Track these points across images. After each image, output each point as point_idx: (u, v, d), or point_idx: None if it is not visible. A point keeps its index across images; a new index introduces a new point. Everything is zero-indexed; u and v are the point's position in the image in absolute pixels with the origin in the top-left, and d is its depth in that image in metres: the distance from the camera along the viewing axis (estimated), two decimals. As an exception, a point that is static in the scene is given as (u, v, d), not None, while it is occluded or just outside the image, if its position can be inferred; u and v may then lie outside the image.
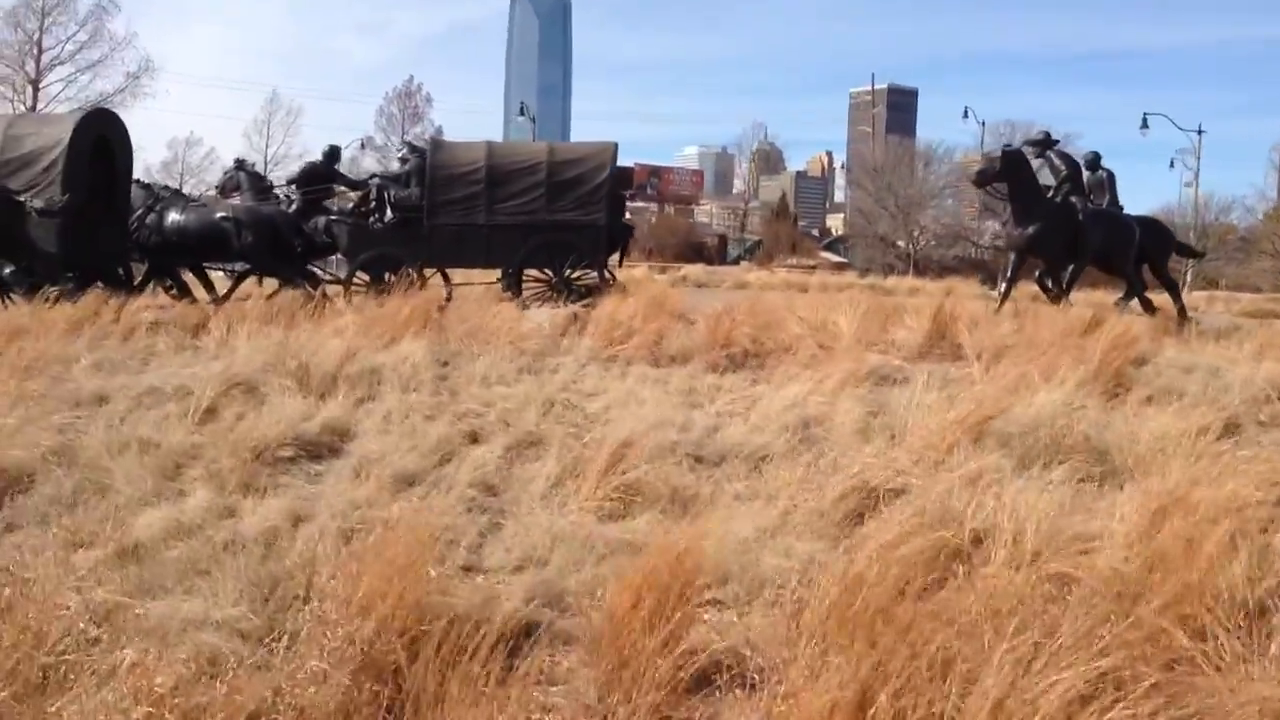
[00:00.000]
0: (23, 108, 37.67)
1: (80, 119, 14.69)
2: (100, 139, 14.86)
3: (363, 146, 56.01)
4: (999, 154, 16.02)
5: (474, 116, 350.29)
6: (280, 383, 7.65)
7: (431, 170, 17.04)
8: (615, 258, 18.53)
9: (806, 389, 7.73)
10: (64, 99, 39.67)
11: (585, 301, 14.98)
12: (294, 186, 18.76)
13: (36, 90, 39.56)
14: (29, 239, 13.60)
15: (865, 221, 61.45)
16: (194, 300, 15.89)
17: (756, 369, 9.37)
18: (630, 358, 9.59)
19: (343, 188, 19.02)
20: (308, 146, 53.21)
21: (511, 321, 10.95)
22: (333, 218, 17.96)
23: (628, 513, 5.26)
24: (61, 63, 40.88)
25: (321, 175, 18.61)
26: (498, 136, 62.37)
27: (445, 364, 9.02)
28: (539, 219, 16.97)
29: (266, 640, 3.65)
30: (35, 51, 39.90)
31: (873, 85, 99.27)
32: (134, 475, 5.42)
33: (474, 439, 6.60)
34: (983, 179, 16.14)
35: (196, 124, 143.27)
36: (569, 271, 17.06)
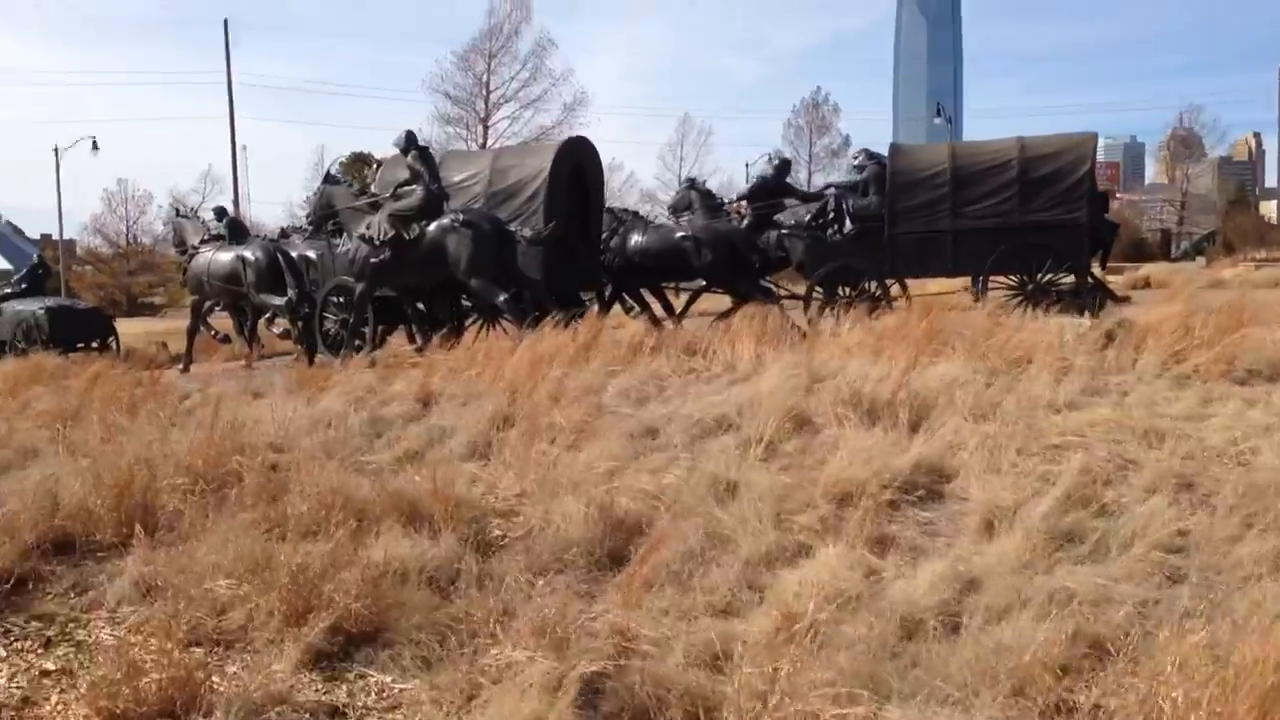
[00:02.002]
0: (475, 145, 40.91)
1: (559, 148, 15.10)
2: (576, 166, 15.21)
3: (769, 160, 56.20)
4: None
5: (863, 123, 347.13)
6: (835, 412, 6.98)
7: (892, 176, 16.20)
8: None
9: None
10: (510, 135, 42.84)
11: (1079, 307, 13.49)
12: (745, 202, 18.59)
13: (486, 128, 42.95)
14: (518, 268, 14.06)
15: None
16: (657, 321, 15.94)
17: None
18: (1205, 374, 8.16)
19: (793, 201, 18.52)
20: (719, 164, 54.34)
21: (1033, 334, 9.77)
22: (784, 231, 17.57)
23: None
24: (507, 100, 44.25)
25: (773, 189, 18.27)
26: (886, 142, 60.44)
27: (988, 385, 8.02)
28: (1011, 221, 15.63)
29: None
30: (484, 92, 43.40)
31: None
32: (750, 525, 4.85)
33: (1093, 477, 5.55)
34: None
35: (613, 149, 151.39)
36: (1044, 276, 15.60)
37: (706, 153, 57.11)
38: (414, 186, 14.02)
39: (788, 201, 18.52)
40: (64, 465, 6.83)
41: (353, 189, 15.08)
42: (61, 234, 48.50)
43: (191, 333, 18.30)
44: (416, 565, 4.45)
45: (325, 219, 15.52)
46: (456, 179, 14.88)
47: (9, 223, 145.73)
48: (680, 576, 4.38)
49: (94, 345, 22.83)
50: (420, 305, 15.23)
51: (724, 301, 18.24)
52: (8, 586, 4.64)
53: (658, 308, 17.43)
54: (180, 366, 16.76)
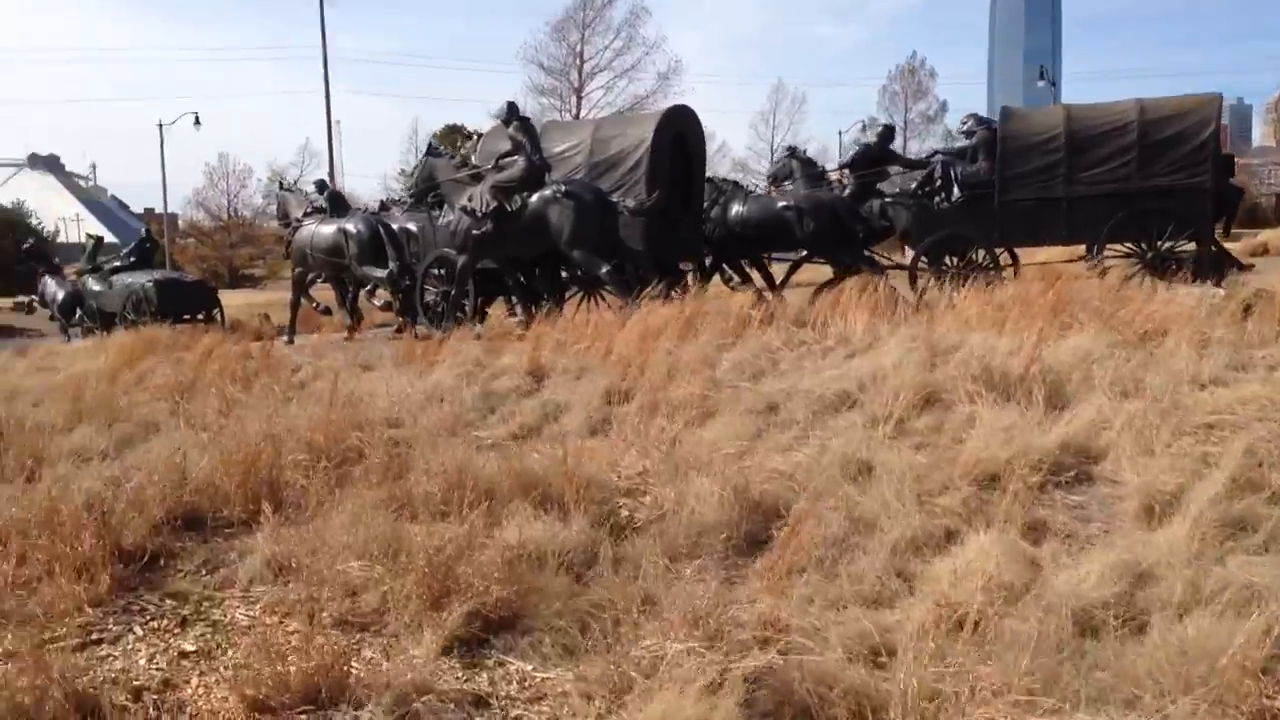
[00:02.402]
0: (569, 115, 40.80)
1: (661, 118, 14.84)
2: (678, 136, 14.95)
3: (864, 129, 55.24)
4: None
5: (957, 87, 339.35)
6: (965, 388, 6.68)
7: (1003, 141, 15.63)
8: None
9: None
10: (604, 104, 42.65)
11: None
12: (847, 170, 18.16)
13: (580, 98, 42.77)
14: (620, 239, 13.88)
15: None
16: (758, 291, 15.64)
17: None
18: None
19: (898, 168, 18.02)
20: (813, 133, 53.57)
21: (1165, 305, 9.31)
22: (888, 199, 17.13)
23: None
24: (600, 70, 44.03)
25: (876, 157, 17.78)
26: (982, 106, 58.81)
27: (1127, 360, 7.63)
28: (1130, 186, 14.98)
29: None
30: (578, 62, 43.23)
31: None
32: (892, 508, 4.62)
33: (1258, 460, 5.19)
34: None
35: (705, 119, 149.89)
36: (1165, 244, 14.95)
37: (800, 121, 56.31)
38: (516, 158, 13.90)
39: (891, 169, 18.04)
40: (185, 439, 6.87)
41: (454, 161, 15.00)
42: (166, 208, 49.66)
43: (295, 305, 18.51)
44: (550, 548, 4.31)
45: (427, 191, 15.50)
46: (557, 150, 14.72)
47: (114, 197, 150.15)
48: (823, 563, 4.17)
49: (199, 317, 23.29)
50: (521, 277, 15.17)
51: (823, 272, 17.91)
52: (141, 564, 4.61)
53: (758, 279, 17.15)
54: (284, 338, 16.96)
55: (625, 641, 3.56)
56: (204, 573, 4.63)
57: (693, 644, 3.35)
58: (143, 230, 26.55)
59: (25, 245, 29.37)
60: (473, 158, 15.62)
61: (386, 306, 19.44)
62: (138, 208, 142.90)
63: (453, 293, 14.76)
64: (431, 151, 15.67)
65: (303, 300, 19.27)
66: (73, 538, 4.43)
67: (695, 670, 3.19)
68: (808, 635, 3.52)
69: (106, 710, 3.31)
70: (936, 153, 18.57)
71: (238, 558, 4.64)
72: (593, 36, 43.56)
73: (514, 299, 16.49)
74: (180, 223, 57.49)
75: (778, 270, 18.16)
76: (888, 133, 18.48)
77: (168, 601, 4.31)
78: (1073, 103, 16.59)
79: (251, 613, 4.16)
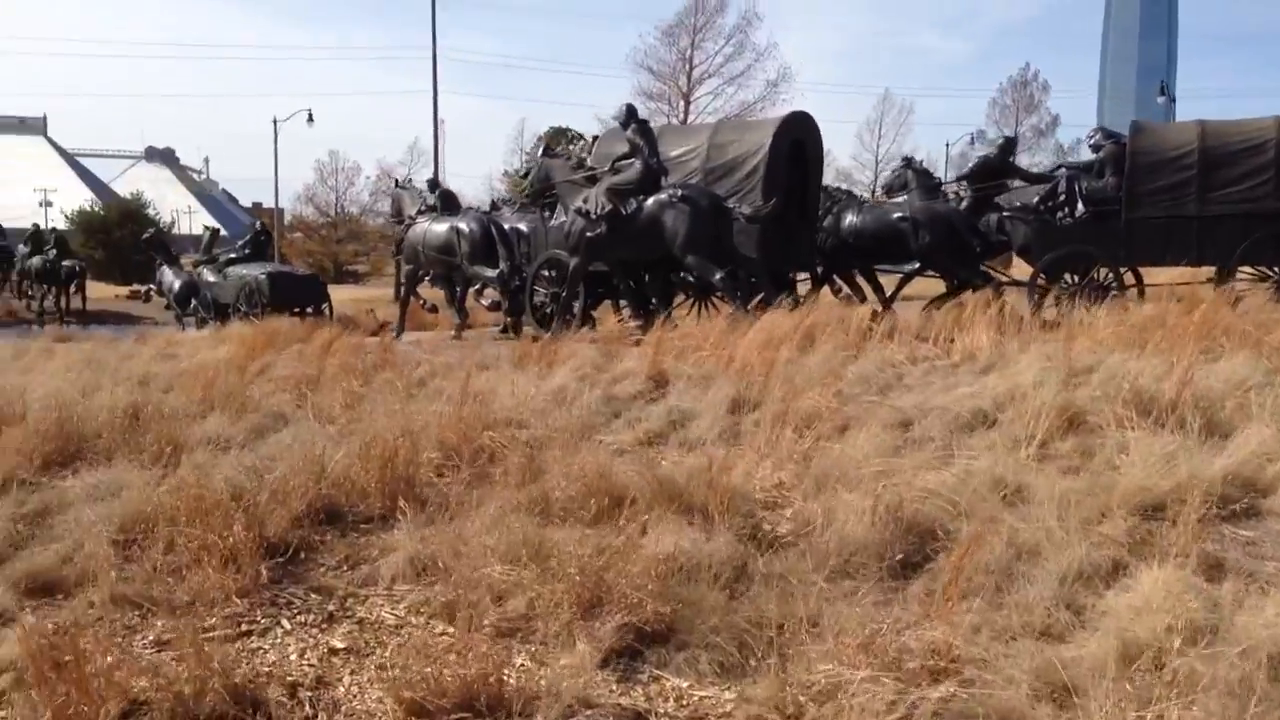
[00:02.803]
0: (675, 121, 40.77)
1: (780, 124, 14.67)
2: (797, 142, 14.77)
3: (972, 141, 54.34)
4: None
5: (1066, 101, 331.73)
6: (1113, 411, 6.40)
7: (1132, 156, 15.10)
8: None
9: None
10: (711, 110, 42.50)
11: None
12: (965, 182, 17.76)
13: (688, 103, 42.70)
14: (734, 246, 13.75)
15: None
16: (864, 303, 15.36)
17: None
18: None
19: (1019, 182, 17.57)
20: (918, 144, 52.75)
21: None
22: (1006, 213, 16.70)
23: None
24: (709, 76, 43.85)
25: (997, 169, 17.36)
26: (1091, 121, 57.20)
27: (1280, 387, 7.25)
28: (1265, 206, 14.37)
29: None
30: (687, 67, 43.16)
31: None
32: (1055, 535, 4.40)
33: None
34: None
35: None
36: (1304, 267, 14.34)
37: (906, 131, 55.30)
38: (633, 160, 13.86)
39: (1011, 183, 17.59)
40: (313, 431, 6.91)
41: (571, 163, 15.00)
42: (276, 203, 50.93)
43: (405, 301, 18.75)
44: (698, 560, 4.19)
45: (543, 192, 15.53)
46: (674, 154, 14.63)
47: (225, 191, 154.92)
48: (985, 589, 3.98)
49: (309, 310, 23.73)
50: (632, 282, 15.11)
51: (932, 285, 17.54)
52: (284, 556, 4.60)
53: (868, 291, 16.87)
54: (393, 334, 17.14)
55: (791, 663, 3.41)
56: (346, 568, 4.60)
57: (869, 671, 3.19)
58: (256, 224, 27.14)
59: (145, 235, 30.21)
60: (587, 160, 15.63)
61: (494, 306, 19.56)
62: (246, 201, 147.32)
63: (563, 295, 14.75)
64: (548, 153, 15.69)
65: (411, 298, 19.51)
66: (222, 527, 4.43)
67: (873, 700, 3.05)
68: (982, 667, 3.34)
69: (270, 705, 3.28)
70: (1061, 166, 18.10)
71: (379, 555, 4.60)
72: (703, 42, 43.47)
73: (622, 303, 16.47)
74: (288, 217, 58.84)
75: (887, 283, 17.85)
76: (1008, 145, 18.06)
77: (313, 596, 4.29)
78: (1207, 119, 15.97)
79: (397, 612, 4.11)
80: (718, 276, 13.34)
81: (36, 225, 38.23)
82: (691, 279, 15.40)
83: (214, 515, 4.55)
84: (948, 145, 55.10)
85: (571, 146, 22.57)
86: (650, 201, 13.53)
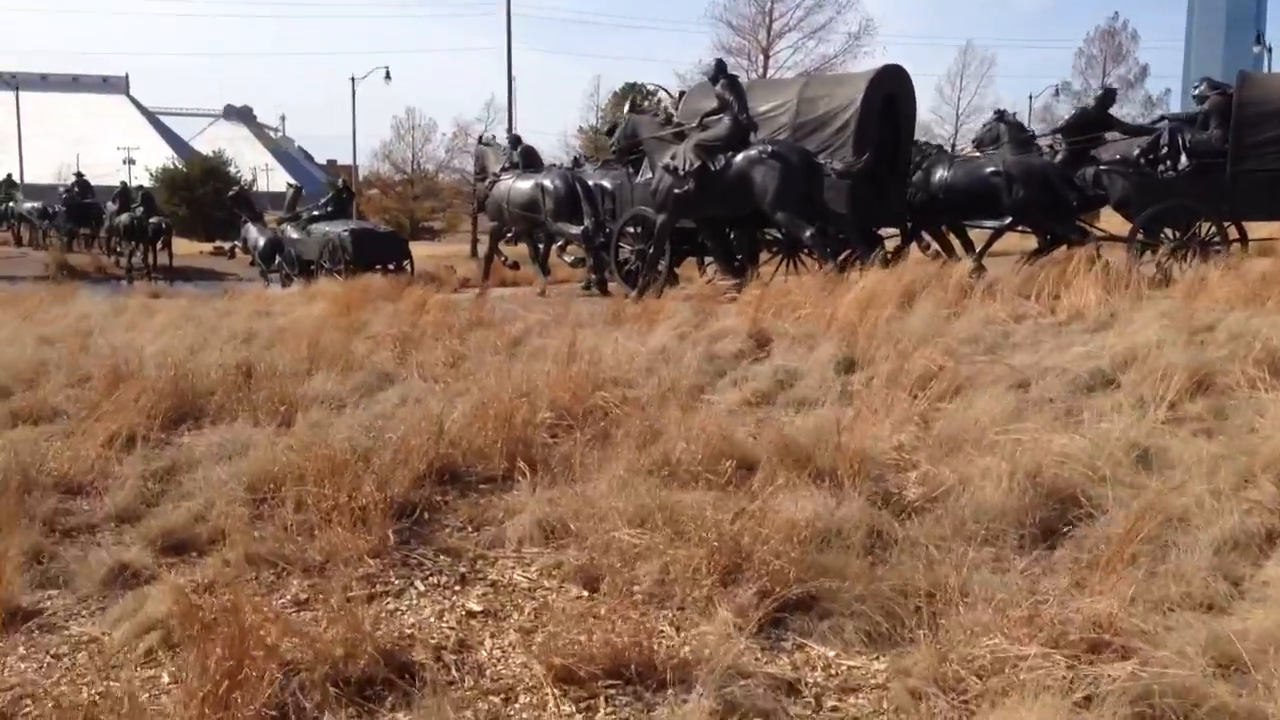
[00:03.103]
0: (755, 75, 40.21)
1: (872, 78, 14.35)
2: (889, 97, 14.44)
3: (1057, 93, 52.95)
4: None
5: (1153, 52, 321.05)
6: (1243, 371, 6.16)
7: (1239, 107, 14.53)
8: None
9: None
10: (791, 65, 41.82)
11: None
12: (1060, 135, 17.28)
13: (767, 58, 42.05)
14: (824, 202, 13.52)
15: None
16: (957, 260, 15.03)
17: None
18: None
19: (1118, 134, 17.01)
20: (999, 97, 51.33)
21: None
22: (1104, 167, 16.19)
23: None
24: (790, 29, 43.02)
25: (1094, 121, 16.83)
26: (1178, 72, 54.96)
27: None
28: (1378, 156, 13.78)
29: None
30: (767, 21, 42.45)
31: None
32: (1204, 503, 4.23)
33: None
34: None
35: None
36: None
37: (988, 84, 53.65)
38: (721, 116, 13.67)
39: (1108, 135, 17.05)
40: (420, 390, 6.93)
41: (659, 118, 14.82)
42: (355, 160, 51.42)
43: (489, 258, 18.79)
44: (832, 525, 4.10)
45: (630, 148, 15.39)
46: (762, 109, 14.39)
47: (300, 148, 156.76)
48: (1137, 558, 3.83)
49: (390, 267, 23.93)
50: (718, 238, 14.96)
51: (1021, 241, 17.17)
52: (410, 517, 4.59)
53: (958, 247, 16.52)
54: (477, 290, 17.18)
55: (945, 633, 3.32)
56: (471, 529, 4.58)
57: (1038, 647, 3.08)
58: (339, 181, 27.37)
59: (230, 193, 30.65)
60: (674, 115, 15.42)
61: (578, 263, 19.53)
62: (321, 159, 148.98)
63: (650, 251, 14.63)
64: (635, 109, 15.51)
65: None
66: (350, 486, 4.43)
67: (1046, 677, 2.94)
68: (1147, 640, 3.22)
69: (417, 668, 3.26)
70: (1163, 118, 17.50)
71: (505, 517, 4.57)
72: (784, -5, 42.61)
73: (707, 260, 16.33)
74: (363, 174, 59.31)
75: (976, 238, 17.47)
76: (1107, 96, 17.50)
77: (442, 557, 4.27)
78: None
79: (529, 575, 4.08)
80: (808, 234, 13.14)
81: (124, 183, 38.96)
82: (779, 235, 15.22)
83: (341, 475, 4.55)
84: (1030, 98, 53.66)
85: (646, 102, 22.23)
86: (739, 157, 13.34)
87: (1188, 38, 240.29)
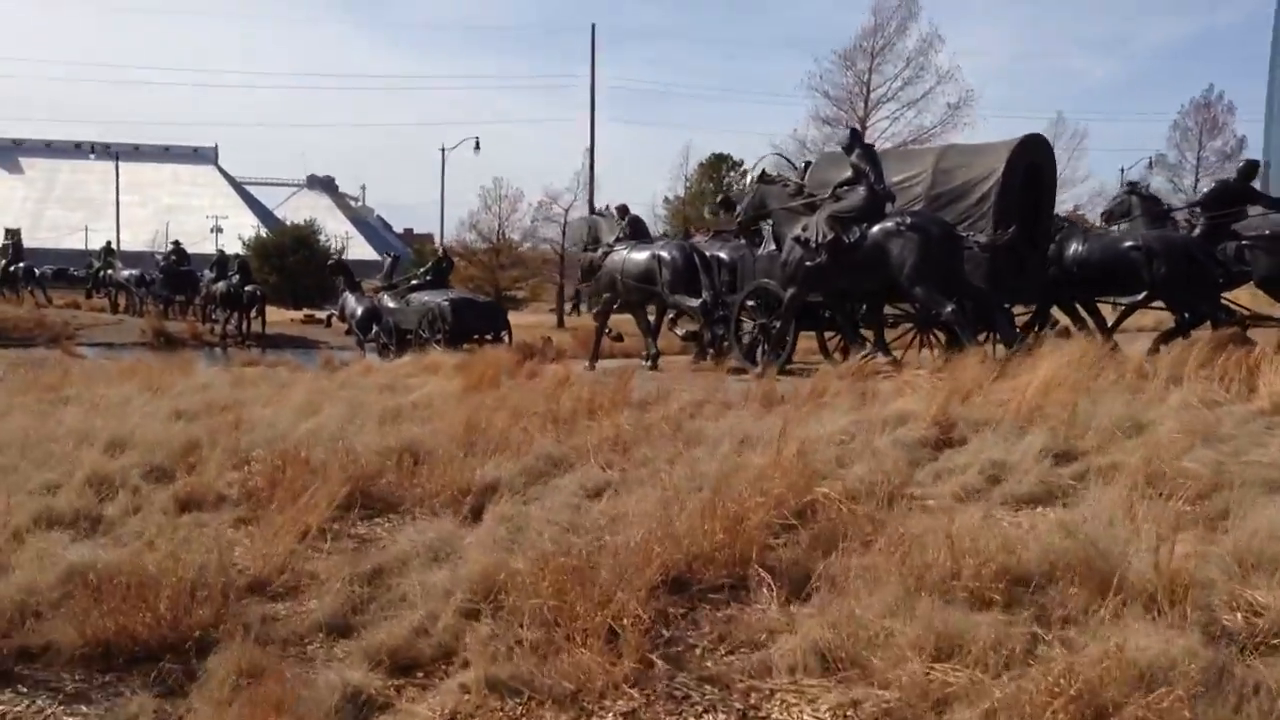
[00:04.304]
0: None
1: (1015, 147, 13.82)
2: (1031, 167, 13.90)
3: (1150, 165, 51.87)
4: None
5: (1244, 125, 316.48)
6: None
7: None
8: None
9: None
10: (889, 135, 41.27)
11: None
12: (1199, 209, 16.56)
13: (864, 128, 41.56)
14: (964, 276, 12.95)
15: None
16: (1088, 334, 14.32)
17: None
18: None
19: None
20: (1091, 170, 50.19)
21: None
22: (1247, 241, 15.43)
23: None
24: (887, 99, 42.50)
25: (1236, 194, 16.11)
26: (1258, 143, 53.49)
27: None
28: None
29: None
30: (864, 91, 42.04)
31: None
32: None
33: None
34: None
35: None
36: None
37: (1080, 156, 52.15)
38: (855, 186, 13.22)
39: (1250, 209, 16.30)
40: (598, 478, 6.46)
41: (789, 189, 14.40)
42: (442, 229, 51.82)
43: (600, 331, 18.39)
44: (1167, 661, 3.48)
45: (758, 219, 14.99)
46: (895, 179, 13.90)
47: (379, 217, 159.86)
48: None
49: (489, 337, 23.69)
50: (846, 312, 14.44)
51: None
52: (644, 631, 4.06)
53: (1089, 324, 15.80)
54: (585, 365, 16.78)
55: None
56: (723, 651, 4.04)
57: None
58: (439, 250, 27.39)
59: (331, 261, 30.90)
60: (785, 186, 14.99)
61: (690, 337, 19.10)
62: (398, 227, 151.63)
63: (779, 325, 14.14)
64: (764, 179, 15.10)
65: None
66: (594, 598, 3.92)
67: None
68: None
69: None
70: (1313, 191, 16.73)
71: (765, 637, 4.02)
72: (881, 65, 42.05)
73: (828, 334, 15.82)
74: (448, 242, 59.69)
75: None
76: (1249, 168, 16.74)
77: (708, 688, 3.73)
78: None
79: (821, 717, 3.52)
80: (948, 310, 12.56)
81: (221, 251, 39.59)
82: (911, 310, 14.67)
83: (575, 585, 4.05)
84: (1122, 170, 52.67)
85: (777, 173, 21.87)
86: (876, 229, 12.85)
87: (1268, 108, 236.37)
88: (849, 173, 13.37)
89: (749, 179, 16.56)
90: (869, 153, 13.49)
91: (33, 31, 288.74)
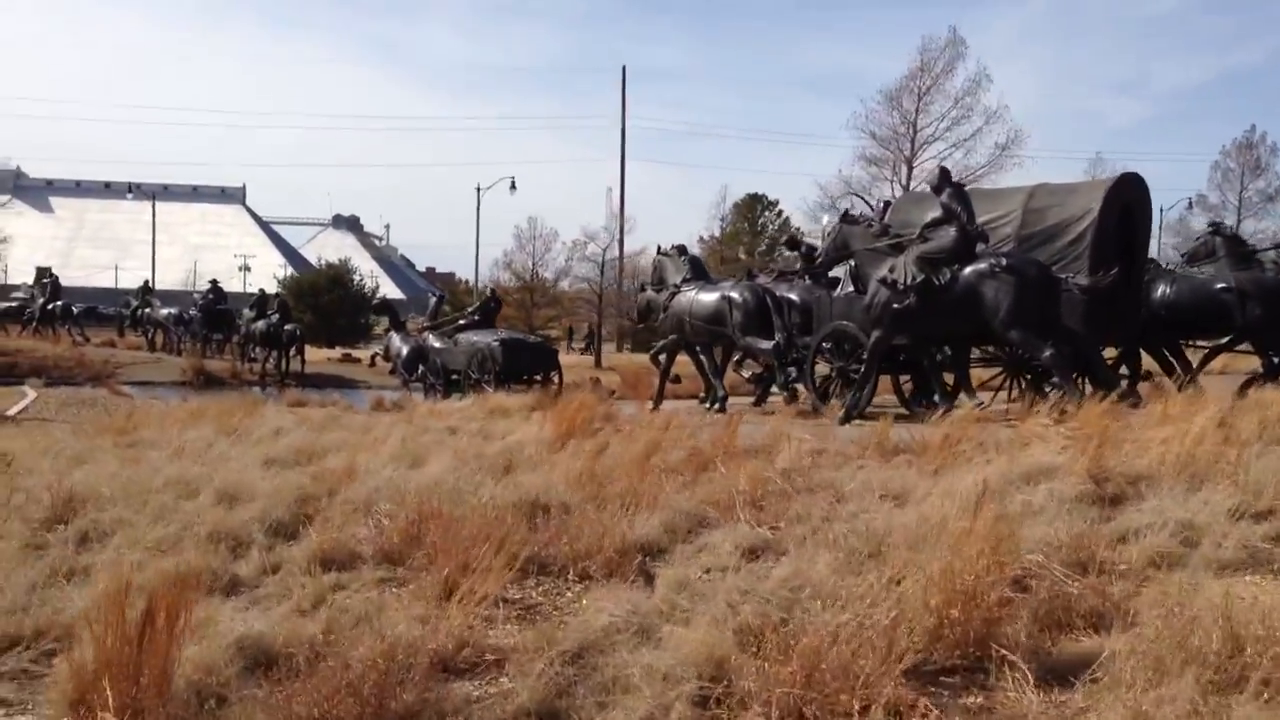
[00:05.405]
0: (899, 188, 39.45)
1: (1110, 187, 13.41)
2: (1126, 207, 13.47)
3: (1190, 206, 51.40)
4: None
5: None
6: None
7: None
8: None
9: None
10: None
11: None
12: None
13: (910, 168, 41.22)
14: (1060, 319, 12.49)
15: None
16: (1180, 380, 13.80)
17: None
18: None
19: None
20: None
21: None
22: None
23: None
24: (934, 140, 42.15)
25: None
26: None
27: None
28: None
29: None
30: (911, 131, 41.71)
31: None
32: None
33: None
34: None
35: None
36: None
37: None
38: (945, 227, 12.79)
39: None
40: (745, 535, 6.02)
41: (873, 229, 13.99)
42: (476, 269, 51.55)
43: (665, 373, 17.97)
44: None
45: (839, 260, 14.58)
46: (983, 219, 13.47)
47: (403, 256, 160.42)
48: None
49: (539, 378, 23.27)
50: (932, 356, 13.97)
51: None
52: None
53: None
54: (651, 406, 16.35)
55: None
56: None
57: None
58: (488, 290, 27.08)
59: (375, 301, 30.62)
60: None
61: (755, 379, 18.67)
62: (421, 266, 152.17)
63: (863, 370, 13.66)
64: (847, 219, 14.71)
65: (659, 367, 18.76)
66: (860, 683, 3.46)
67: None
68: None
69: None
70: None
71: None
72: (929, 105, 41.77)
73: (904, 378, 15.35)
74: (482, 281, 59.57)
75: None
76: (1340, 208, 16.30)
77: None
78: None
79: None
80: (1047, 354, 12.09)
81: (262, 290, 39.43)
82: (1002, 354, 14.22)
83: (825, 668, 3.59)
84: (1161, 211, 52.04)
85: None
86: (968, 270, 12.40)
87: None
88: (935, 212, 12.96)
89: (825, 222, 16.17)
90: (959, 192, 13.08)
91: (64, 74, 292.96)
